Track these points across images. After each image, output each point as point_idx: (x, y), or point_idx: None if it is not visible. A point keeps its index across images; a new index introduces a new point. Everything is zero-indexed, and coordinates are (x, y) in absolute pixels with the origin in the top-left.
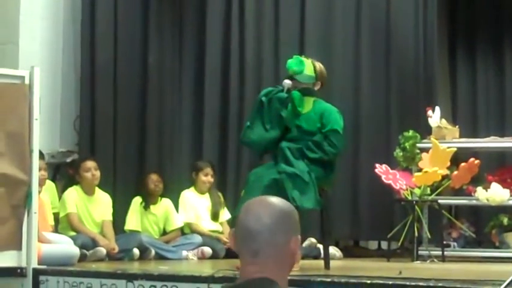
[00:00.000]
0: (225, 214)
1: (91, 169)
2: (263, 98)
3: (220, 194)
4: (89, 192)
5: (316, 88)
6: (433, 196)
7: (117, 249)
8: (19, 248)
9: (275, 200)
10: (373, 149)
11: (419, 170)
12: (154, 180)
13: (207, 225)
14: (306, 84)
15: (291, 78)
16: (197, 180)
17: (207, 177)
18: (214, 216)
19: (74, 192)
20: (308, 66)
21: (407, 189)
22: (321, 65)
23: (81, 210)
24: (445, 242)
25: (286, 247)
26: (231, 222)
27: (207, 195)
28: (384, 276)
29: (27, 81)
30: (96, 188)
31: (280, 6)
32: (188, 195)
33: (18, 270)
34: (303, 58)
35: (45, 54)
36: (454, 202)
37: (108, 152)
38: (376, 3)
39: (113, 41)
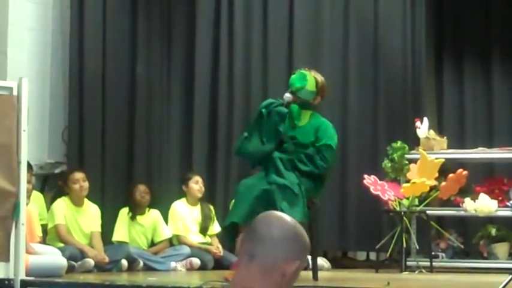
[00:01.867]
0: (214, 228)
1: (79, 180)
2: (263, 110)
3: (211, 207)
4: (78, 203)
5: (315, 102)
6: (421, 207)
7: (107, 259)
8: (7, 260)
9: (292, 220)
10: (362, 159)
11: (408, 181)
12: (141, 191)
13: (195, 238)
14: (306, 99)
15: (292, 92)
16: (188, 191)
17: (197, 184)
18: (203, 231)
19: (62, 204)
20: (310, 82)
21: (395, 200)
22: (323, 79)
23: (70, 221)
24: (433, 253)
25: (281, 266)
26: (222, 233)
27: (198, 207)
28: (372, 287)
29: (15, 93)
30: (85, 199)
31: (269, 16)
32: (178, 207)
33: (6, 282)
34: (306, 72)
35: (33, 65)
36: (442, 213)
37: (96, 162)
38: (364, 16)
39: (101, 52)
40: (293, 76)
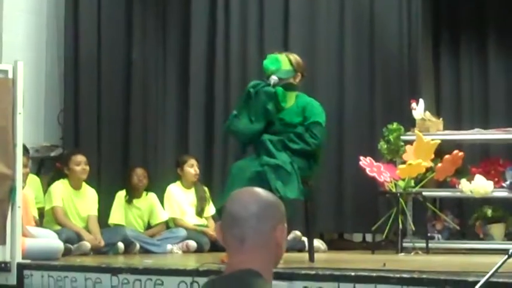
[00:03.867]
0: (210, 209)
1: (81, 163)
2: (251, 90)
3: (206, 189)
4: (76, 186)
5: (297, 80)
6: (417, 188)
7: (103, 243)
8: (3, 243)
9: (261, 191)
10: (358, 141)
11: (404, 162)
12: (139, 174)
13: (191, 220)
14: (286, 79)
15: (268, 77)
16: (183, 174)
17: (192, 167)
18: (199, 212)
19: (60, 186)
20: (284, 62)
21: (391, 182)
22: (296, 56)
23: (67, 204)
24: (429, 234)
25: (272, 235)
26: (216, 216)
27: (192, 190)
28: (368, 269)
29: (10, 76)
30: (83, 183)
31: (265, 1)
32: (173, 190)
33: (2, 265)
34: (277, 55)
35: (28, 48)
36: (438, 194)
37: (92, 146)
38: None
39: (96, 35)
40: (265, 61)
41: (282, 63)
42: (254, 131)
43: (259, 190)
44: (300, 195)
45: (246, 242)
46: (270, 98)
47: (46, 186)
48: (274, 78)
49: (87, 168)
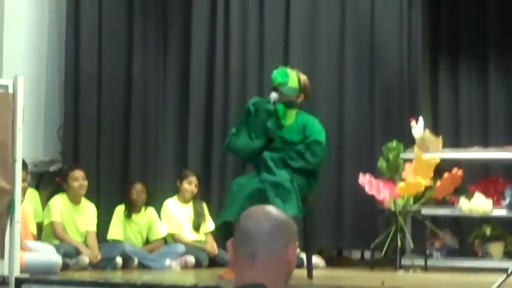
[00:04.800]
0: (208, 225)
1: (79, 178)
2: (251, 107)
3: (204, 205)
4: (75, 201)
5: (299, 100)
6: (416, 206)
7: (99, 258)
8: (1, 257)
9: (275, 209)
10: (357, 159)
11: (403, 180)
12: (138, 190)
13: (189, 235)
14: (289, 96)
15: (275, 89)
16: (181, 188)
17: (190, 185)
18: (196, 228)
19: (59, 201)
20: (292, 78)
21: (390, 200)
22: (305, 77)
23: (66, 219)
24: (428, 252)
25: (284, 253)
26: (215, 232)
27: (190, 204)
28: (367, 286)
29: (10, 90)
30: (82, 198)
31: (265, 16)
32: (170, 205)
33: (0, 279)
34: (288, 70)
35: (29, 62)
36: (437, 212)
37: (91, 160)
38: (360, 16)
39: (97, 50)
40: (275, 72)
41: (290, 78)
42: (254, 148)
43: (272, 208)
44: (299, 213)
45: (258, 258)
46: (270, 115)
47: (45, 200)
48: (274, 96)
49: (86, 183)
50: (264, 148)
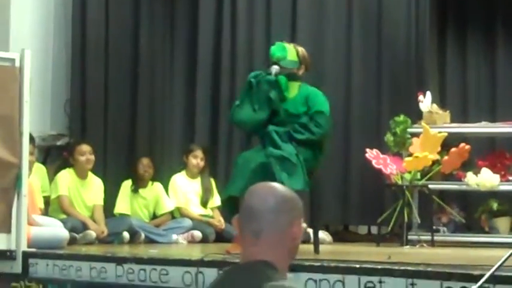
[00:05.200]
0: (215, 200)
1: (86, 153)
2: (252, 80)
3: (212, 180)
4: (82, 176)
5: (300, 72)
6: (423, 181)
7: (106, 232)
8: (8, 231)
9: (279, 185)
10: (364, 133)
11: (410, 155)
12: (144, 164)
13: (196, 210)
14: (290, 69)
15: (275, 64)
16: (188, 163)
17: (196, 159)
18: (204, 203)
19: (66, 175)
20: (291, 52)
21: (397, 174)
22: (303, 49)
23: (73, 193)
24: (434, 227)
25: (289, 229)
26: (221, 206)
27: (198, 179)
28: (373, 261)
29: (17, 64)
30: (89, 173)
31: None
32: (178, 180)
33: (8, 253)
34: (285, 44)
35: (35, 36)
36: (444, 187)
37: (98, 135)
38: None
39: (104, 24)
40: (272, 47)
41: (288, 52)
42: (258, 120)
43: (277, 185)
44: (306, 187)
45: (262, 235)
46: (272, 86)
47: (52, 175)
48: (275, 68)
49: (93, 158)
50: (269, 122)
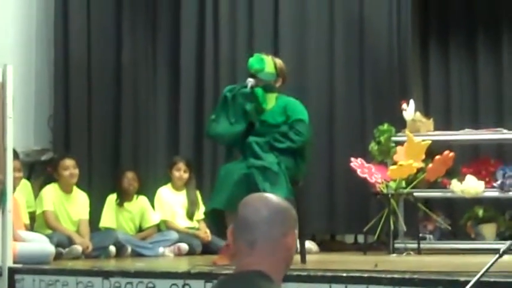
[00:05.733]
0: (201, 213)
1: (70, 167)
2: (227, 94)
3: (197, 192)
4: (67, 190)
5: (277, 84)
6: (408, 189)
7: (90, 248)
8: None
9: (273, 196)
10: (349, 143)
11: (395, 163)
12: (129, 178)
13: (182, 222)
14: (267, 81)
15: (252, 76)
16: (172, 176)
17: (179, 172)
18: (190, 216)
19: (51, 190)
20: (269, 64)
21: (382, 183)
22: (281, 61)
23: (58, 208)
24: (420, 235)
25: (283, 240)
26: (205, 218)
27: (183, 192)
28: (360, 269)
29: (0, 80)
30: (74, 187)
31: (254, 2)
32: (163, 193)
33: None
34: (263, 56)
35: (18, 52)
36: (429, 195)
37: (82, 149)
38: None
39: (86, 38)
40: (251, 59)
41: (266, 64)
42: (235, 133)
43: (271, 196)
44: (289, 195)
45: (257, 246)
46: (248, 99)
47: (37, 190)
48: (251, 81)
49: (76, 172)
50: (248, 134)
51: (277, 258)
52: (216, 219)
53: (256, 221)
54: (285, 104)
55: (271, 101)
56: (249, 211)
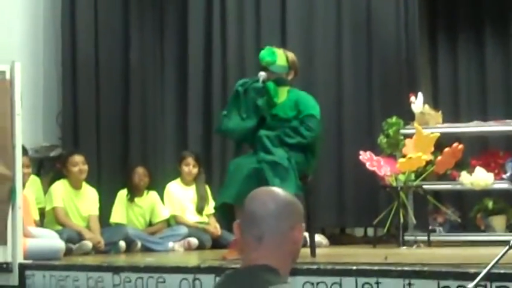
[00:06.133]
0: (211, 207)
1: (79, 163)
2: (239, 88)
3: (207, 187)
4: (76, 186)
5: (289, 78)
6: (417, 182)
7: (102, 242)
8: (4, 243)
9: (280, 190)
10: (357, 136)
11: (403, 156)
12: (140, 173)
13: (192, 217)
14: (279, 74)
15: (264, 69)
16: (181, 171)
17: (188, 167)
18: (200, 210)
19: (61, 186)
20: (280, 57)
21: (391, 176)
22: (292, 54)
23: (68, 204)
24: (430, 227)
25: (290, 234)
26: (215, 213)
27: (193, 187)
28: (370, 262)
29: (8, 77)
30: (83, 183)
31: (262, 3)
32: (173, 188)
33: (4, 266)
34: (275, 49)
35: (26, 49)
36: (438, 187)
37: (91, 145)
38: None
39: (94, 35)
40: (262, 52)
41: (278, 57)
42: (246, 128)
43: (278, 189)
44: (298, 191)
45: (264, 240)
46: (260, 93)
47: (46, 186)
48: (262, 74)
49: (85, 168)
50: (260, 128)
51: (284, 251)
52: (225, 214)
53: (264, 215)
54: (297, 98)
55: (282, 95)
56: (256, 205)
